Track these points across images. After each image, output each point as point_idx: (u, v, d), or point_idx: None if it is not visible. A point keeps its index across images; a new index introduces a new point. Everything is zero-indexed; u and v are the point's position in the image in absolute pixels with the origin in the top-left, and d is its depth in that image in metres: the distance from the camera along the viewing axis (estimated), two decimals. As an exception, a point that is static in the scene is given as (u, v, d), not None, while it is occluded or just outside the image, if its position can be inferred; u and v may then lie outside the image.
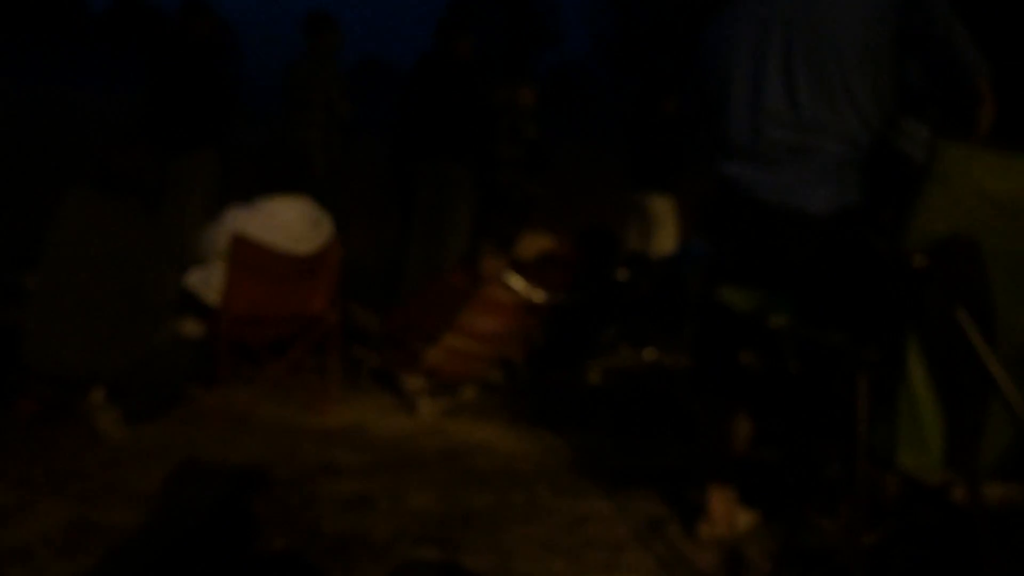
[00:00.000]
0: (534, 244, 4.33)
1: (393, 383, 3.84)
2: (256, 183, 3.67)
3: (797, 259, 2.32)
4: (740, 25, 2.47)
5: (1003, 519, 2.11)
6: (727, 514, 2.53)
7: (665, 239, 6.32)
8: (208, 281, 3.43)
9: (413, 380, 3.74)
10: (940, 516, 2.29)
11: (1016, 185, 1.81)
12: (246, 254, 3.37)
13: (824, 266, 2.25)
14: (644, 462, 3.20)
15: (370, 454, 3.12)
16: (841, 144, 2.33)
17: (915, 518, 2.34)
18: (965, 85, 2.27)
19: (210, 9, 5.18)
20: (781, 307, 2.24)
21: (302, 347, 3.56)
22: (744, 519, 2.57)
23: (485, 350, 3.99)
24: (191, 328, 3.37)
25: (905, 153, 2.37)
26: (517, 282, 4.09)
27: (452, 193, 5.28)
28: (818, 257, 2.28)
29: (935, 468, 1.95)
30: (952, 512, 2.26)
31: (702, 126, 2.69)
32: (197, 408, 3.40)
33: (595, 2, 49.74)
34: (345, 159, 5.40)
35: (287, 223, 3.52)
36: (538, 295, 4.11)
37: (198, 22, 5.09)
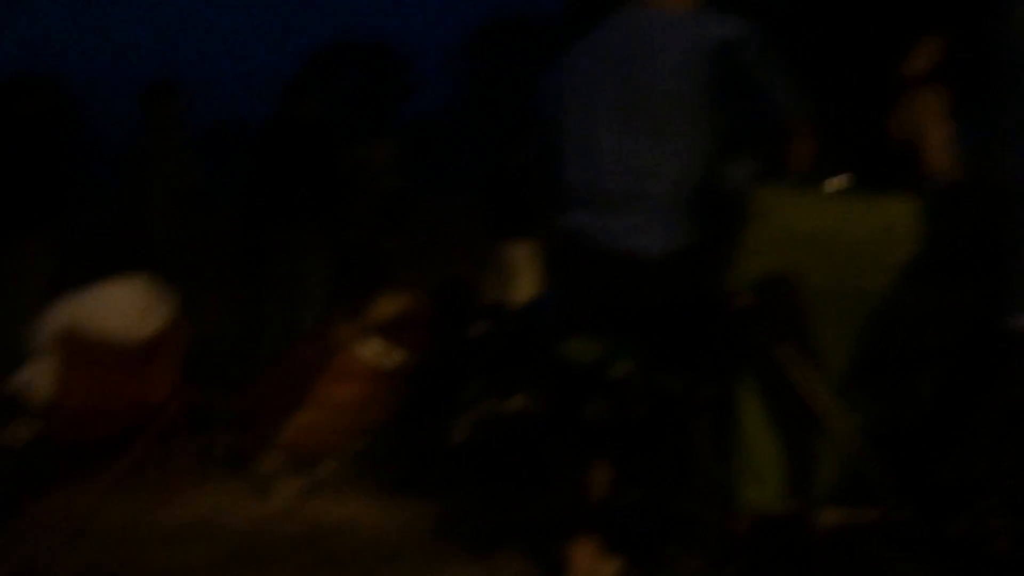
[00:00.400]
0: (389, 305, 4.25)
1: (247, 466, 3.67)
2: (93, 266, 3.49)
3: (635, 304, 2.35)
4: (571, 75, 2.52)
5: (843, 541, 2.16)
6: (591, 566, 2.50)
7: (525, 287, 6.35)
8: (36, 379, 3.21)
9: (269, 461, 3.59)
10: (790, 545, 2.33)
11: (827, 222, 1.88)
12: (76, 345, 3.18)
13: (660, 310, 2.28)
14: (513, 517, 3.15)
15: (223, 549, 2.95)
16: (670, 187, 2.37)
17: (767, 549, 2.37)
18: (783, 126, 2.36)
19: (41, 82, 4.90)
20: (623, 355, 2.25)
21: (145, 439, 3.36)
22: (608, 569, 2.55)
23: (345, 420, 3.87)
24: (20, 431, 3.15)
25: (732, 192, 2.44)
26: (373, 346, 4.00)
27: (304, 261, 5.16)
28: (654, 301, 2.31)
29: (776, 500, 1.98)
30: (800, 540, 2.30)
31: (542, 175, 2.71)
32: (31, 518, 3.15)
33: (452, 51, 50.50)
34: (194, 230, 5.21)
35: (120, 308, 3.34)
36: (396, 357, 4.03)
37: (24, 99, 4.81)
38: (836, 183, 2.72)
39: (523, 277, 6.39)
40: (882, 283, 1.84)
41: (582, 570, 2.49)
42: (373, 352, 3.97)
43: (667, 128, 2.35)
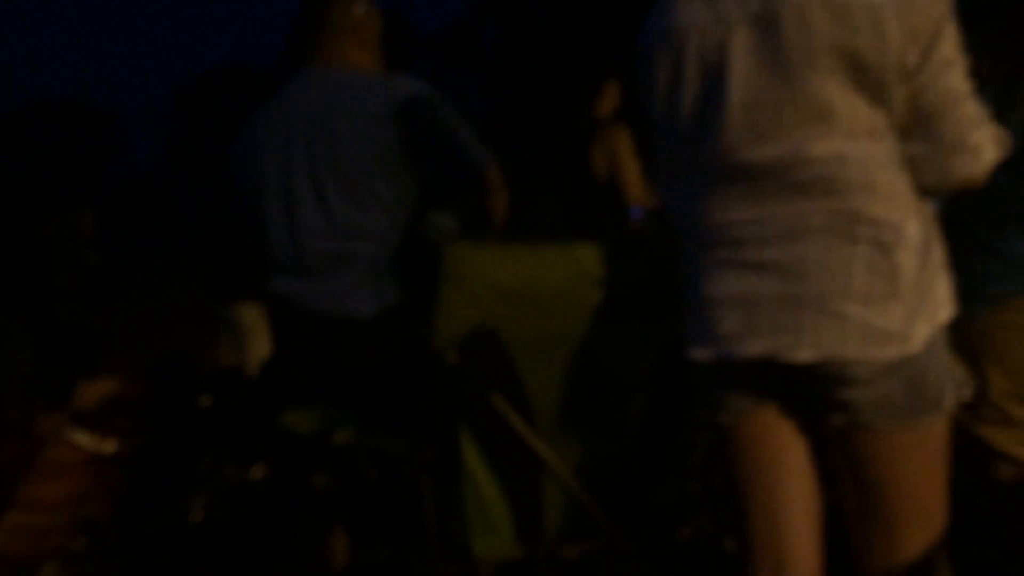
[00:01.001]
0: (95, 390, 3.93)
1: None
2: None
3: (350, 368, 2.32)
4: (263, 140, 2.45)
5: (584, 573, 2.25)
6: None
7: (261, 347, 6.11)
8: None
9: (-31, 578, 3.18)
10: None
11: (520, 274, 1.96)
12: None
13: (374, 372, 2.27)
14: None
15: None
16: (376, 246, 2.38)
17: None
18: (475, 180, 2.44)
19: None
20: (344, 421, 2.21)
21: None
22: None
23: (59, 519, 3.52)
24: None
25: (434, 250, 2.49)
26: (81, 437, 3.68)
27: (2, 345, 4.68)
28: (368, 363, 2.30)
29: (511, 547, 2.02)
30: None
31: (246, 242, 2.63)
32: None
33: (163, 106, 48.10)
34: None
35: None
36: (109, 445, 3.73)
37: None
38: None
39: (255, 338, 6.16)
40: (580, 326, 1.94)
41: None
42: (82, 443, 3.66)
43: (365, 189, 2.36)
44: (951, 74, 1.51)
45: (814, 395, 1.60)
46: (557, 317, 1.91)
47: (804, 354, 1.54)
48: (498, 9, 29.01)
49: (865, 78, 1.48)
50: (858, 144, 1.52)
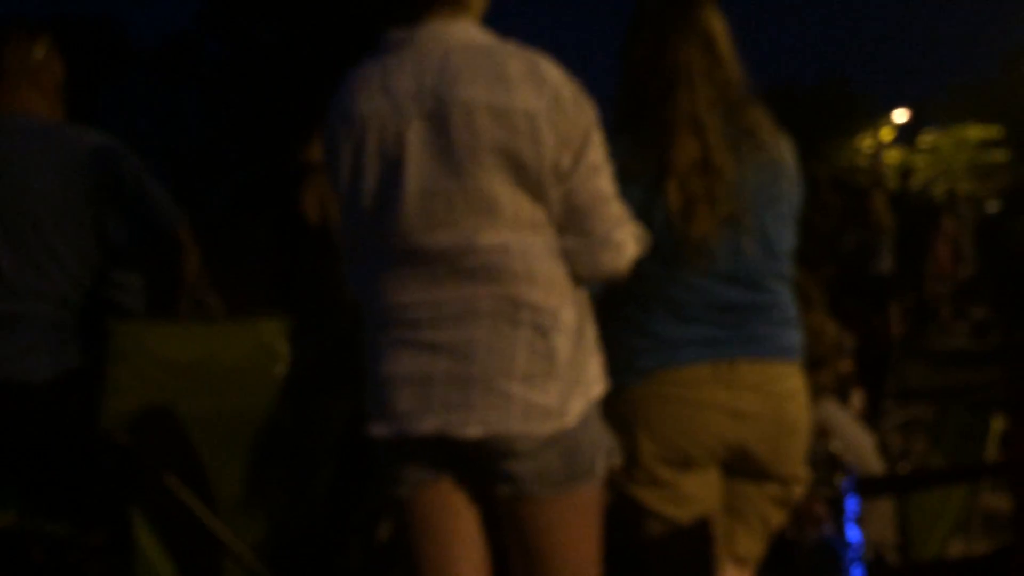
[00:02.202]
0: None
1: None
2: None
3: (17, 440, 2.15)
4: None
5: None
6: None
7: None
8: None
9: None
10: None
11: (195, 350, 1.91)
12: None
13: (43, 445, 2.12)
14: None
15: None
16: (54, 307, 2.23)
17: None
18: (164, 239, 2.35)
19: None
20: (7, 502, 2.04)
21: None
22: None
23: None
24: None
25: (124, 306, 2.37)
26: None
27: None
28: (36, 435, 2.14)
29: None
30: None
31: None
32: None
33: None
34: None
35: None
36: None
37: None
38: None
39: None
40: (262, 402, 1.92)
41: None
42: None
43: (40, 247, 2.21)
44: (599, 177, 1.68)
45: (483, 468, 1.70)
46: (237, 393, 1.89)
47: (473, 430, 1.63)
48: (220, 22, 27.86)
49: (525, 177, 1.62)
50: (521, 236, 1.65)
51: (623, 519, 1.95)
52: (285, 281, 3.52)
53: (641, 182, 1.89)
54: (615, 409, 1.88)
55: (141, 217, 2.32)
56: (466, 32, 1.67)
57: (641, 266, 1.82)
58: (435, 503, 1.76)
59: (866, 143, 33.76)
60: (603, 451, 1.76)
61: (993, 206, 16.38)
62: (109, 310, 2.30)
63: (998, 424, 2.64)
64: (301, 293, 3.26)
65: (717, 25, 1.95)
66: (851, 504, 1.98)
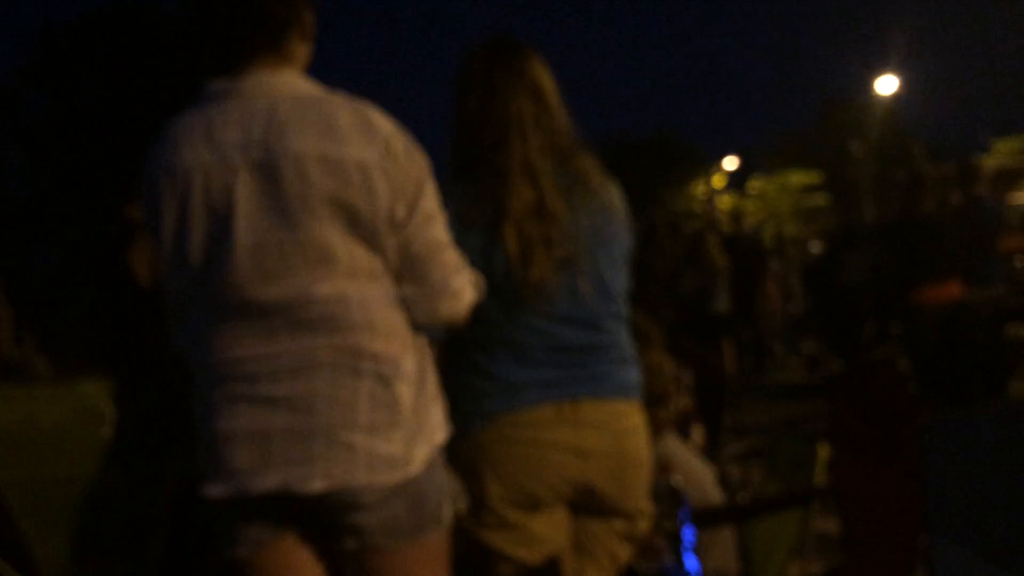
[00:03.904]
0: None
1: None
2: None
3: None
4: None
5: None
6: None
7: None
8: None
9: None
10: None
11: (10, 415, 1.80)
12: None
13: None
14: None
15: None
16: None
17: None
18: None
19: None
20: None
21: None
22: None
23: None
24: None
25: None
26: None
27: None
28: None
29: None
30: None
31: None
32: None
33: None
34: None
35: None
36: None
37: None
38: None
39: None
40: (86, 465, 1.82)
41: None
42: None
43: None
44: (434, 226, 1.70)
45: (328, 523, 1.66)
46: (59, 458, 1.77)
47: (316, 485, 1.59)
48: (44, 75, 26.60)
49: (360, 227, 1.61)
50: (358, 285, 1.64)
51: (472, 564, 1.94)
52: (112, 341, 3.35)
53: (479, 228, 1.92)
54: (462, 453, 1.88)
55: None
56: (293, 83, 1.67)
57: (482, 310, 1.84)
58: (277, 562, 1.70)
59: (700, 189, 35.57)
60: (449, 497, 1.75)
61: (816, 246, 17.55)
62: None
63: (824, 451, 2.80)
64: (128, 353, 3.11)
65: (544, 77, 2.02)
66: (688, 534, 2.05)
